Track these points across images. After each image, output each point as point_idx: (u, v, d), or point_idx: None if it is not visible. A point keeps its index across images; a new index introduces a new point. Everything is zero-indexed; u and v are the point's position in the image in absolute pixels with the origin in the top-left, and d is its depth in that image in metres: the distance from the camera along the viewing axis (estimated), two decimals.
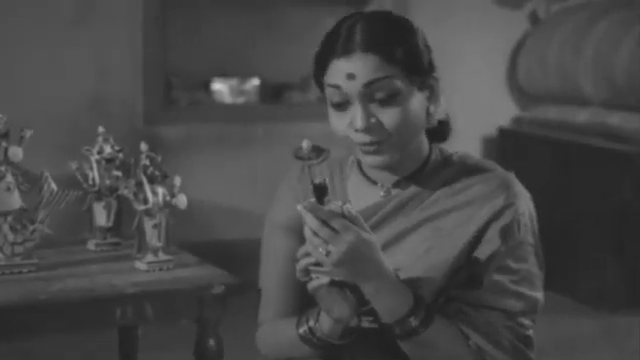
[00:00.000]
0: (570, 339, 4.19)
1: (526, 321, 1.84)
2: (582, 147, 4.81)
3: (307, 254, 1.74)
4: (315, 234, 1.70)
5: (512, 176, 1.88)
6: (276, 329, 1.95)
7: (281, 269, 1.97)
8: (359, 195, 1.92)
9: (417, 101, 1.82)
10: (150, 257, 2.32)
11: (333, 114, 1.84)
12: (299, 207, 1.71)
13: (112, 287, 2.22)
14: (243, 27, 5.19)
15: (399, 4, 5.07)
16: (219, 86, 5.13)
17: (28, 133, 2.29)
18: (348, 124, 1.82)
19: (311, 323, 1.84)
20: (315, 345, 1.85)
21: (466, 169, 1.89)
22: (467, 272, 1.82)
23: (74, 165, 2.51)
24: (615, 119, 4.80)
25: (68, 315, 2.20)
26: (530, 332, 1.85)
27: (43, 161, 2.45)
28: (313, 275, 1.74)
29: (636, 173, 4.50)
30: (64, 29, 4.60)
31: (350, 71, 1.78)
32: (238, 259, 3.68)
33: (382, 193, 1.86)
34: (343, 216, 1.71)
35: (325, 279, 1.74)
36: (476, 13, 5.31)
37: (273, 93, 5.23)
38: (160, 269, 2.32)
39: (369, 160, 1.83)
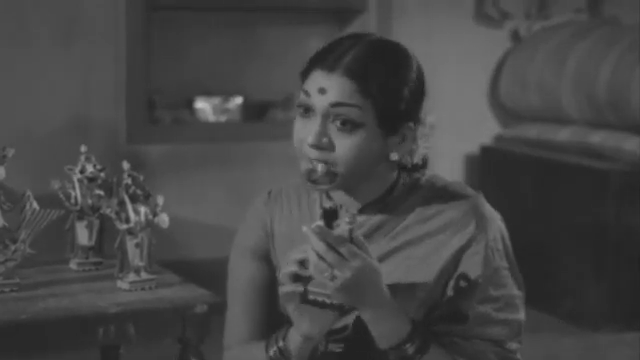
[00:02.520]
0: (552, 356, 4.19)
1: (513, 345, 1.84)
2: (563, 165, 4.83)
3: (295, 276, 1.73)
4: (320, 257, 1.68)
5: (481, 198, 1.86)
6: (245, 353, 1.93)
7: (246, 294, 1.95)
8: None
9: (376, 143, 1.79)
10: (132, 276, 2.32)
11: (298, 121, 1.83)
12: (304, 229, 1.69)
13: (94, 307, 2.22)
14: (226, 46, 5.19)
15: (382, 24, 5.09)
16: (202, 105, 5.13)
17: (10, 152, 2.29)
18: (304, 136, 1.81)
19: (280, 344, 1.83)
20: None
21: (435, 194, 1.87)
22: (449, 307, 1.82)
23: (56, 184, 2.50)
24: (596, 137, 4.82)
25: (50, 335, 2.20)
26: (518, 356, 1.85)
27: (25, 180, 2.45)
28: (311, 297, 1.72)
29: (617, 191, 4.52)
30: (47, 47, 4.60)
31: (323, 86, 1.78)
32: (221, 278, 3.67)
33: (347, 219, 1.79)
34: (350, 241, 1.70)
35: (299, 288, 1.73)
36: (458, 32, 5.33)
37: (256, 112, 5.24)
38: (142, 288, 2.32)
39: (308, 185, 1.81)
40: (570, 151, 4.92)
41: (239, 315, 1.96)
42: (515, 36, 5.48)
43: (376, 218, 1.86)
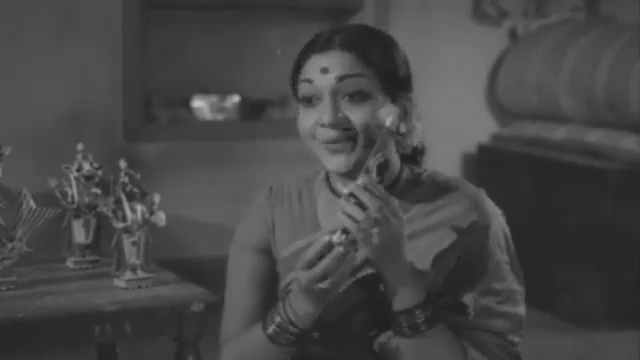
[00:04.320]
0: (551, 356, 4.19)
1: (515, 338, 1.86)
2: (561, 164, 4.83)
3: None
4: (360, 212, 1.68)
5: (482, 194, 1.88)
6: (241, 341, 1.92)
7: (246, 288, 1.95)
8: (329, 214, 1.89)
9: (387, 110, 1.81)
10: (129, 275, 2.32)
11: (302, 112, 1.84)
12: (347, 188, 1.70)
13: (91, 305, 2.22)
14: (223, 44, 5.19)
15: (379, 21, 5.09)
16: (199, 103, 5.13)
17: (7, 150, 2.28)
18: (315, 121, 1.81)
19: (277, 319, 1.81)
20: (287, 341, 1.81)
21: (437, 188, 1.88)
22: (451, 298, 1.82)
23: (53, 183, 2.50)
24: (594, 136, 4.82)
25: (47, 333, 2.19)
26: (519, 349, 1.87)
27: (22, 179, 2.44)
28: (343, 248, 1.70)
29: (614, 190, 4.52)
30: (43, 46, 4.59)
31: (324, 65, 1.80)
32: (217, 277, 3.66)
33: (360, 181, 1.84)
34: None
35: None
36: (455, 30, 5.32)
37: (253, 110, 5.23)
38: (139, 287, 2.32)
39: (332, 162, 1.82)
40: (567, 150, 4.91)
41: (238, 309, 1.95)
42: (513, 34, 5.48)
43: None
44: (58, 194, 2.50)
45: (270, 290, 1.94)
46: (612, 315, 4.54)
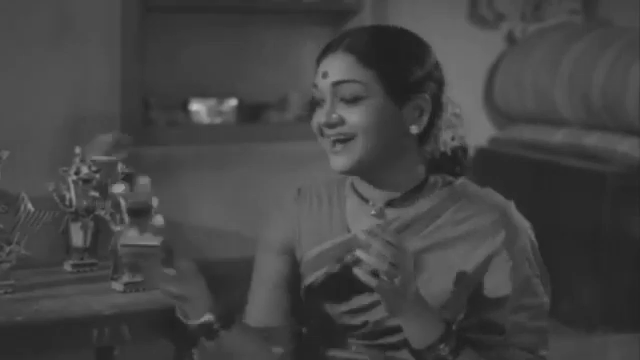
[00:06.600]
0: (547, 358, 4.19)
1: (544, 352, 1.89)
2: (559, 167, 4.83)
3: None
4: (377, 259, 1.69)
5: (511, 207, 1.89)
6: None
7: (269, 288, 1.98)
8: (356, 216, 1.92)
9: (387, 113, 1.82)
10: (127, 278, 2.32)
11: (314, 113, 1.89)
12: (363, 233, 1.70)
13: (89, 308, 2.22)
14: (221, 48, 5.19)
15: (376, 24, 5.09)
16: (197, 106, 5.13)
17: (5, 154, 2.28)
18: (319, 121, 1.85)
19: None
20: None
21: (467, 199, 1.89)
22: (480, 317, 1.82)
23: (51, 186, 2.50)
24: (591, 139, 4.82)
25: (44, 336, 2.19)
26: None
27: (20, 182, 2.44)
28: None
29: (612, 193, 4.53)
30: (41, 49, 4.59)
31: (325, 70, 1.85)
32: (215, 279, 3.66)
33: (373, 212, 1.86)
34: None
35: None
36: (453, 33, 5.33)
37: (251, 113, 5.23)
38: (137, 290, 2.32)
39: (333, 162, 1.85)
40: (565, 153, 4.92)
41: (259, 307, 1.98)
42: (510, 38, 5.48)
43: (407, 216, 1.88)
44: (56, 197, 2.50)
45: (291, 289, 1.97)
46: (610, 318, 4.54)
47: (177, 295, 1.89)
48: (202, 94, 5.15)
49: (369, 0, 5.16)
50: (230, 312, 1.94)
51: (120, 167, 2.32)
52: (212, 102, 5.15)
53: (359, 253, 1.68)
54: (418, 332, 1.75)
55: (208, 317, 1.91)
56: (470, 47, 5.39)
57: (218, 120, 5.15)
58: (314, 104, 1.87)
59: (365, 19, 5.13)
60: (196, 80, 5.15)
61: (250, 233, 4.89)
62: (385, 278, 1.67)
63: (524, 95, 5.23)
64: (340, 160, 1.84)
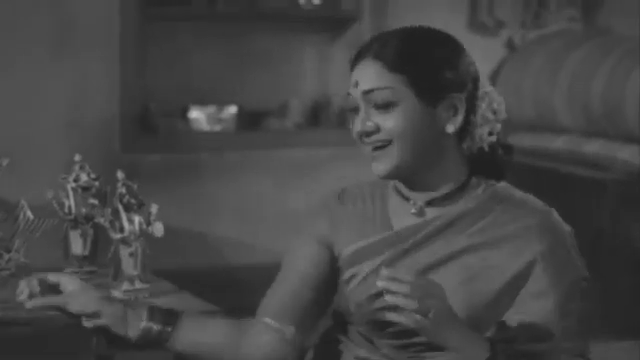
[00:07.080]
0: None
1: (590, 355, 1.89)
2: (559, 175, 4.83)
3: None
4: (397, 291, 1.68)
5: (554, 213, 1.93)
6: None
7: (297, 273, 1.96)
8: (398, 215, 1.93)
9: (420, 115, 1.84)
10: (126, 285, 2.32)
11: (352, 121, 1.90)
12: (384, 271, 1.69)
13: None
14: (220, 55, 5.19)
15: (376, 32, 5.09)
16: (196, 114, 5.13)
17: (4, 161, 2.29)
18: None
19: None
20: None
21: (512, 201, 1.90)
22: (530, 326, 1.81)
23: (50, 193, 2.50)
24: (591, 147, 4.82)
25: (44, 344, 2.19)
26: None
27: (19, 189, 2.44)
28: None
29: (612, 201, 4.52)
30: (41, 56, 4.59)
31: (356, 78, 1.87)
32: (215, 287, 3.67)
33: (413, 210, 1.88)
34: None
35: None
36: None
37: (251, 121, 5.23)
38: (136, 297, 2.31)
39: (373, 167, 1.87)
40: (564, 160, 4.91)
41: (280, 291, 1.96)
42: (510, 45, 5.48)
43: (449, 215, 1.88)
44: (55, 205, 2.49)
45: (321, 281, 1.95)
46: (609, 325, 4.54)
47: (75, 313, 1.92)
48: (202, 101, 5.15)
49: (368, 7, 5.16)
50: (168, 311, 1.93)
51: (121, 176, 2.31)
52: (212, 109, 5.15)
53: (388, 298, 1.67)
54: (467, 355, 1.74)
55: (144, 324, 1.90)
56: (470, 54, 5.38)
57: (218, 127, 5.15)
58: (352, 112, 1.88)
59: (364, 26, 5.13)
60: (196, 87, 5.15)
61: (249, 240, 4.89)
62: (418, 317, 1.66)
63: (524, 102, 5.23)
64: (379, 166, 1.86)
